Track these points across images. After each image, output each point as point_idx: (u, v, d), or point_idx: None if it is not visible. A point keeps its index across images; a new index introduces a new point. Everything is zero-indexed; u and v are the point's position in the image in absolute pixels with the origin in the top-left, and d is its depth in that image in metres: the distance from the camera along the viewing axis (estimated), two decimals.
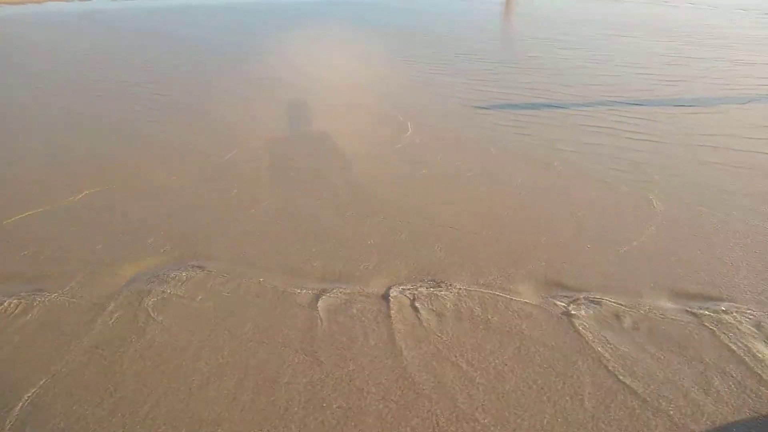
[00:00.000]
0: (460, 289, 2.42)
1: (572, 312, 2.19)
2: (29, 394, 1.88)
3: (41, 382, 1.93)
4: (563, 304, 2.25)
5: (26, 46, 9.38)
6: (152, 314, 2.29)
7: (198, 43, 9.06)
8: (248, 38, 9.53)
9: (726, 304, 2.23)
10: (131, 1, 16.49)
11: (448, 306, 2.31)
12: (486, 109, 4.99)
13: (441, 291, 2.41)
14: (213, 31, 10.40)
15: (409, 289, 2.42)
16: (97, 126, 4.98)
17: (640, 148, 3.93)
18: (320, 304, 2.34)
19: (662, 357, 1.95)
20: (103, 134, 4.73)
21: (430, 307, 2.30)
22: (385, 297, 2.37)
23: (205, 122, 5.01)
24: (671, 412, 1.74)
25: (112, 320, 2.26)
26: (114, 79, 6.70)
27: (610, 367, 1.93)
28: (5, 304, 2.37)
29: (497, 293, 2.35)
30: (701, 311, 2.18)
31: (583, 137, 4.17)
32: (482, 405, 1.79)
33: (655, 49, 7.38)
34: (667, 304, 2.24)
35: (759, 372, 1.86)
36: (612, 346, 2.01)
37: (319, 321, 2.23)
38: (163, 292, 2.44)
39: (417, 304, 2.31)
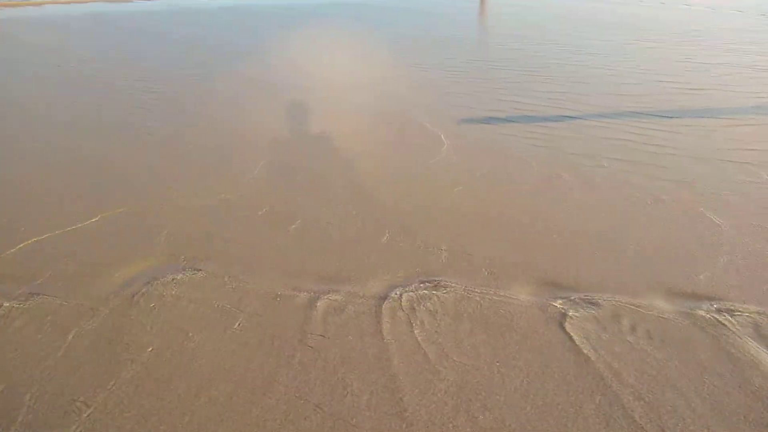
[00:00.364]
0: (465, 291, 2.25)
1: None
2: (27, 395, 1.81)
3: (39, 383, 1.86)
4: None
5: (27, 48, 8.89)
6: (149, 316, 2.20)
7: (199, 43, 8.60)
8: (255, 42, 9.09)
9: None
10: (130, 3, 15.90)
11: (447, 307, 2.23)
12: (511, 122, 4.63)
13: (442, 292, 2.32)
14: (226, 36, 9.93)
15: (408, 291, 2.33)
16: (98, 127, 4.76)
17: (679, 164, 3.59)
18: (318, 305, 2.24)
19: None
20: (103, 135, 4.56)
21: (428, 308, 2.22)
22: (384, 298, 2.28)
23: (208, 125, 4.69)
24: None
25: (109, 322, 2.17)
26: (114, 81, 6.29)
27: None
28: (3, 306, 2.27)
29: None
30: None
31: (618, 152, 3.81)
32: (476, 408, 1.73)
33: (670, 54, 7.01)
34: None
35: None
36: None
37: (316, 323, 2.14)
38: (161, 294, 2.34)
39: (415, 306, 2.23)
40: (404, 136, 4.37)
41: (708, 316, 2.13)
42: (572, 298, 2.27)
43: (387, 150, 4.09)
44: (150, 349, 2.03)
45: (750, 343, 1.99)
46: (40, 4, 17.19)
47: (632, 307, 2.19)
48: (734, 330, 2.05)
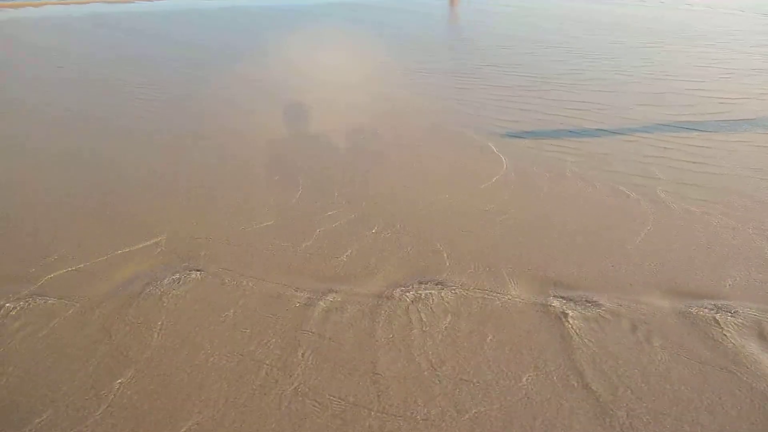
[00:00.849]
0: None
1: None
2: (25, 394, 1.71)
3: (38, 382, 1.76)
4: None
5: (28, 49, 8.13)
6: (148, 315, 2.06)
7: (200, 44, 7.86)
8: (256, 44, 8.35)
9: None
10: (131, 3, 15.01)
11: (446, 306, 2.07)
12: (551, 137, 3.99)
13: (442, 292, 2.15)
14: (226, 37, 9.16)
15: (408, 291, 2.16)
16: (104, 125, 4.43)
17: (749, 185, 2.98)
18: (317, 305, 2.09)
19: None
20: (103, 132, 4.37)
21: (428, 307, 2.07)
22: (384, 297, 2.13)
23: (224, 132, 4.16)
24: None
25: (108, 321, 2.03)
26: (120, 85, 5.61)
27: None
28: (6, 307, 2.13)
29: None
30: None
31: (670, 172, 3.18)
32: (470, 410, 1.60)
33: (689, 59, 6.29)
34: None
35: None
36: None
37: (316, 323, 2.00)
38: (161, 294, 2.19)
39: (416, 306, 2.07)
40: (446, 146, 3.73)
41: None
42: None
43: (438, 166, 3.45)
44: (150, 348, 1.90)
45: None
46: (40, 4, 16.30)
47: None
48: None
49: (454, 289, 2.19)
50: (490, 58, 6.85)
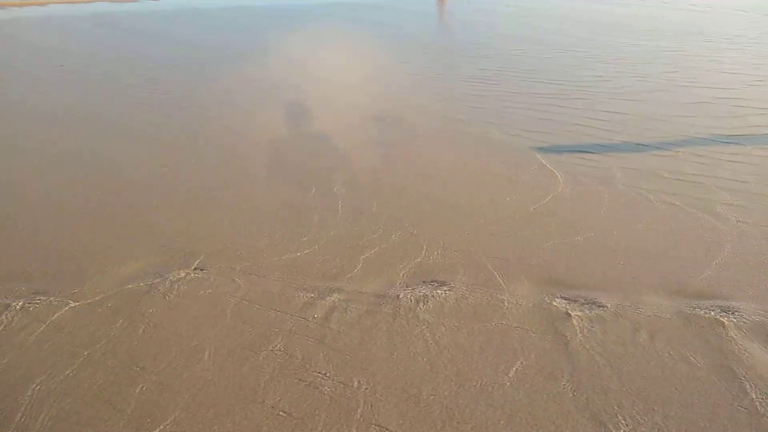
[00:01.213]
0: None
1: None
2: (28, 393, 1.68)
3: (39, 380, 1.73)
4: None
5: (32, 49, 8.02)
6: (150, 314, 2.02)
7: (204, 45, 7.76)
8: (260, 45, 8.23)
9: None
10: (134, 2, 14.86)
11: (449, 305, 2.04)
12: (594, 151, 3.79)
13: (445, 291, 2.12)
14: (227, 36, 9.04)
15: (412, 290, 2.12)
16: (104, 125, 4.37)
17: None
18: (320, 304, 2.06)
19: None
20: (103, 132, 4.29)
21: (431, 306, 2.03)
22: (385, 297, 2.08)
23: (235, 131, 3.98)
24: None
25: (110, 319, 2.00)
26: (116, 82, 5.51)
27: None
28: (11, 307, 2.09)
29: None
30: None
31: (738, 197, 2.93)
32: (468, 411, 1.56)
33: (714, 63, 5.97)
34: None
35: None
36: None
37: (318, 321, 1.96)
38: (164, 292, 2.15)
39: (420, 305, 2.03)
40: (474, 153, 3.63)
41: None
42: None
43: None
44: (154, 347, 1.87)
45: None
46: (44, 3, 16.17)
47: None
48: None
49: (514, 318, 2.07)
50: (504, 62, 6.62)
